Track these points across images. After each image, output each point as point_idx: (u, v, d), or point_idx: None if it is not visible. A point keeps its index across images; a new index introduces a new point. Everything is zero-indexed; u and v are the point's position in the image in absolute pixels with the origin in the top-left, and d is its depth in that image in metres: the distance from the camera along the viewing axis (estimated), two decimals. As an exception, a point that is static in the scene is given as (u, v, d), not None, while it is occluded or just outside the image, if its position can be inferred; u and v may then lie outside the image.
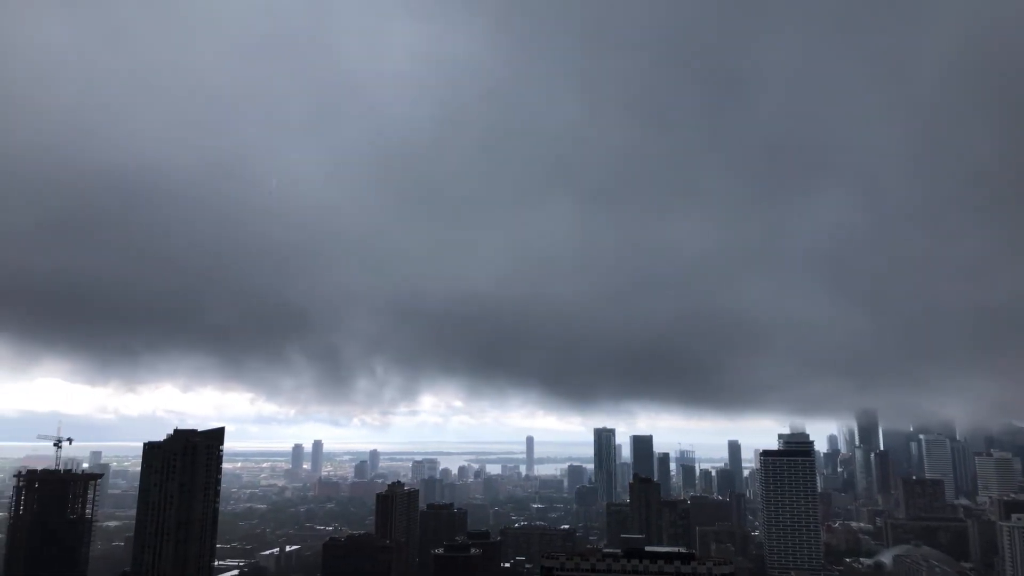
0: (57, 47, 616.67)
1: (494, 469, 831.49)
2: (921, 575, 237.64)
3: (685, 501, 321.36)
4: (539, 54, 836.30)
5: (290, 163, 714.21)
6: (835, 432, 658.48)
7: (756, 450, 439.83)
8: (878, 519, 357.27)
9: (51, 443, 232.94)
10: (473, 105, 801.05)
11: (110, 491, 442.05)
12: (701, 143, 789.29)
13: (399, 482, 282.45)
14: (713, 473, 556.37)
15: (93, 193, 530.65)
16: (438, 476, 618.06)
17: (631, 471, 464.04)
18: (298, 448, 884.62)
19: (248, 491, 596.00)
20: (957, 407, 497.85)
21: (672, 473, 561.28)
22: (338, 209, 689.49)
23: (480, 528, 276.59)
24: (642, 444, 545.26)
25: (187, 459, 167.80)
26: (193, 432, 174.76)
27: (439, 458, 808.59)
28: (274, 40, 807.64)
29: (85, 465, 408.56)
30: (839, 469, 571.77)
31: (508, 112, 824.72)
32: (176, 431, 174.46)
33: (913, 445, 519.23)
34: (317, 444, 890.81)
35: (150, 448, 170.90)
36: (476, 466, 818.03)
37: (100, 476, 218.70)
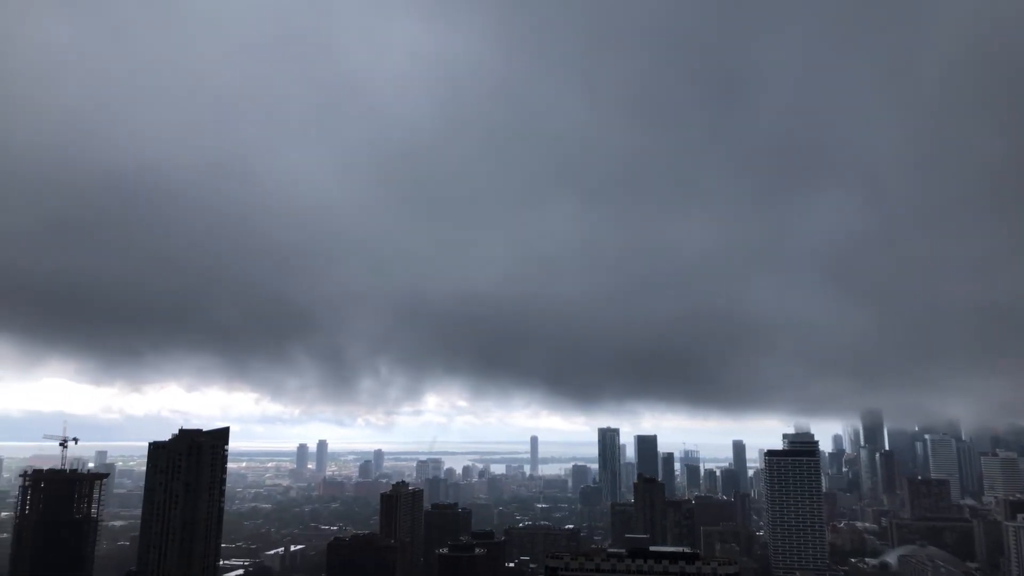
0: (59, 47, 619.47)
1: (498, 469, 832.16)
2: (926, 575, 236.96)
3: (690, 501, 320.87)
4: (542, 54, 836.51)
5: (293, 163, 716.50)
6: (840, 432, 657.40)
7: (761, 450, 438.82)
8: (883, 519, 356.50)
9: (57, 443, 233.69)
10: (475, 105, 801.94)
11: (115, 491, 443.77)
12: (704, 143, 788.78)
13: (403, 482, 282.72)
14: (718, 473, 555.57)
15: (97, 193, 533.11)
16: (442, 476, 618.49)
17: (635, 471, 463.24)
18: (303, 448, 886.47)
19: (253, 491, 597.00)
20: (962, 407, 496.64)
21: (676, 473, 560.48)
22: (341, 209, 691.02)
23: (484, 528, 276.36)
24: (646, 444, 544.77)
25: (192, 459, 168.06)
26: (198, 432, 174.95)
27: (443, 458, 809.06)
28: (276, 40, 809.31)
29: (91, 465, 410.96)
30: (844, 469, 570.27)
31: (511, 112, 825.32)
32: (181, 431, 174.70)
33: (918, 445, 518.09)
34: (322, 444, 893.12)
35: (155, 448, 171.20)
36: (480, 466, 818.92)
37: (105, 476, 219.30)
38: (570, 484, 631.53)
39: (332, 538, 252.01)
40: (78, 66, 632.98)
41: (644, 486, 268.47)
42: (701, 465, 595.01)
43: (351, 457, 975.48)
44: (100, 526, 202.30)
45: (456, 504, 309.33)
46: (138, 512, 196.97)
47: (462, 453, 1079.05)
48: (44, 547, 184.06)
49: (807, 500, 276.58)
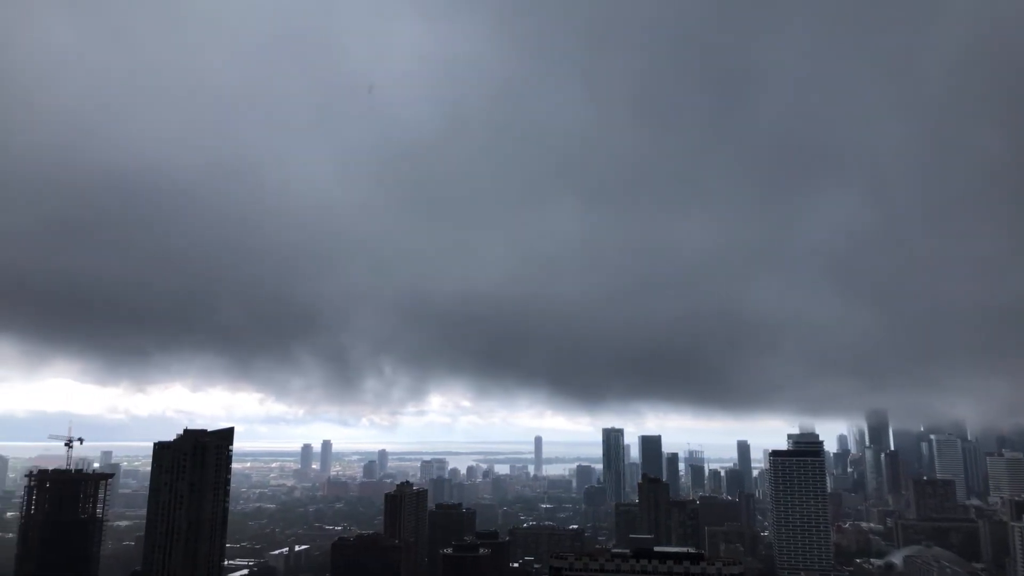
0: (60, 48, 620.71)
1: (502, 469, 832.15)
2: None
3: (694, 501, 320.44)
4: (543, 55, 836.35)
5: (295, 163, 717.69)
6: (845, 432, 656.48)
7: (765, 450, 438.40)
8: (888, 519, 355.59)
9: (62, 443, 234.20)
10: (477, 105, 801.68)
11: (121, 491, 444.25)
12: (706, 142, 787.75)
13: (408, 482, 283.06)
14: (722, 473, 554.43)
15: (100, 194, 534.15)
16: (447, 476, 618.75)
17: (640, 471, 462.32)
18: (307, 448, 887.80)
19: (257, 491, 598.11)
20: (968, 407, 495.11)
21: (681, 473, 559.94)
22: (343, 209, 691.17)
23: (489, 528, 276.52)
24: (651, 444, 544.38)
25: (197, 459, 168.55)
26: (203, 432, 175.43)
27: (448, 458, 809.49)
28: (277, 41, 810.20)
29: (96, 465, 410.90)
30: (849, 469, 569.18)
31: (512, 112, 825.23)
32: (186, 431, 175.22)
33: (924, 445, 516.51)
34: (326, 444, 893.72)
35: (160, 448, 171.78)
36: (484, 466, 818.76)
37: (111, 476, 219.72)
38: (574, 484, 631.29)
39: (336, 538, 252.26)
40: (80, 66, 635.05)
41: (648, 486, 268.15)
42: (705, 465, 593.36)
43: (355, 457, 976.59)
44: (105, 526, 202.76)
45: (460, 504, 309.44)
46: (143, 512, 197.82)
47: (466, 453, 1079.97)
48: (49, 547, 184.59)
49: (812, 500, 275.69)
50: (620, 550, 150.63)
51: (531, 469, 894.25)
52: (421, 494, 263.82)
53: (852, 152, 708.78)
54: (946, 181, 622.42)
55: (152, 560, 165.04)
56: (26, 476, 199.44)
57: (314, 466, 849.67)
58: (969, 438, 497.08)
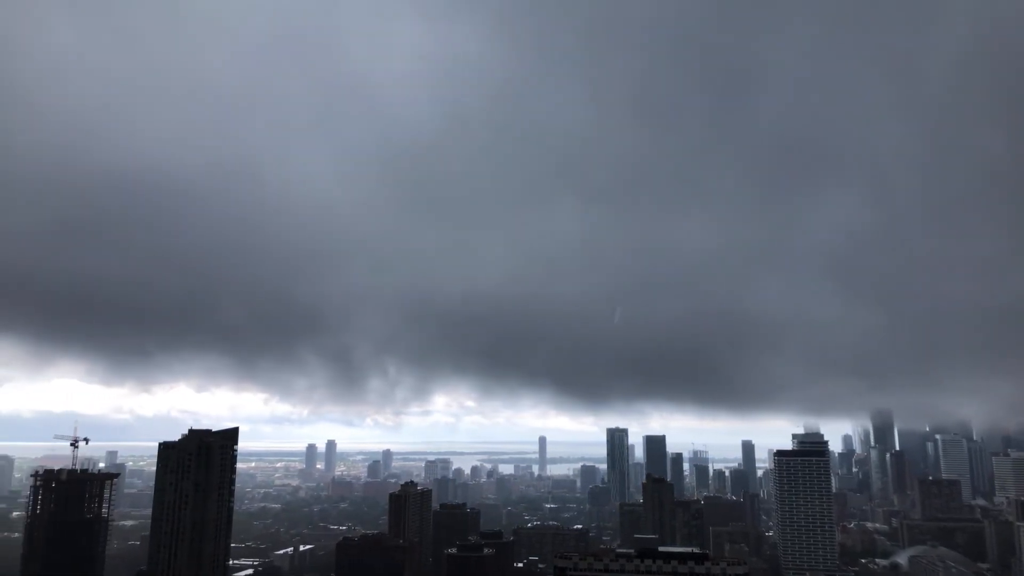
0: (63, 49, 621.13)
1: (507, 469, 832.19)
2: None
3: (699, 501, 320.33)
4: (544, 54, 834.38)
5: (297, 163, 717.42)
6: (850, 432, 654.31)
7: (770, 450, 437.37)
8: (894, 520, 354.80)
9: (68, 443, 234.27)
10: (479, 105, 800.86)
11: (126, 491, 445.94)
12: (708, 142, 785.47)
13: (412, 482, 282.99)
14: (727, 473, 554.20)
15: (103, 194, 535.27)
16: (451, 476, 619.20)
17: (644, 471, 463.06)
18: (311, 448, 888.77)
19: (262, 491, 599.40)
20: (973, 407, 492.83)
21: (685, 473, 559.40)
22: (345, 209, 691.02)
23: (493, 528, 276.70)
24: (655, 444, 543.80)
25: (202, 459, 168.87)
26: (207, 432, 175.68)
27: (452, 458, 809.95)
28: (279, 41, 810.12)
29: (101, 465, 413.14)
30: (854, 469, 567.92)
31: (513, 112, 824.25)
32: (191, 431, 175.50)
33: (929, 445, 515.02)
34: (330, 444, 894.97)
35: (165, 448, 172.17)
36: (489, 466, 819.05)
37: (116, 476, 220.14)
38: (579, 484, 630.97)
39: (341, 538, 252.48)
40: (81, 67, 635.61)
41: (653, 486, 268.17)
42: (710, 465, 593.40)
43: (360, 457, 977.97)
44: (111, 526, 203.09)
45: (464, 504, 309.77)
46: (148, 512, 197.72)
47: (470, 453, 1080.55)
48: (55, 547, 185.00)
49: (817, 500, 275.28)
50: (624, 550, 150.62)
51: (535, 469, 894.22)
52: (425, 494, 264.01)
53: (853, 152, 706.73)
54: (948, 180, 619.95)
55: (157, 560, 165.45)
56: (32, 476, 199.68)
57: (318, 466, 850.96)
58: (975, 438, 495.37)
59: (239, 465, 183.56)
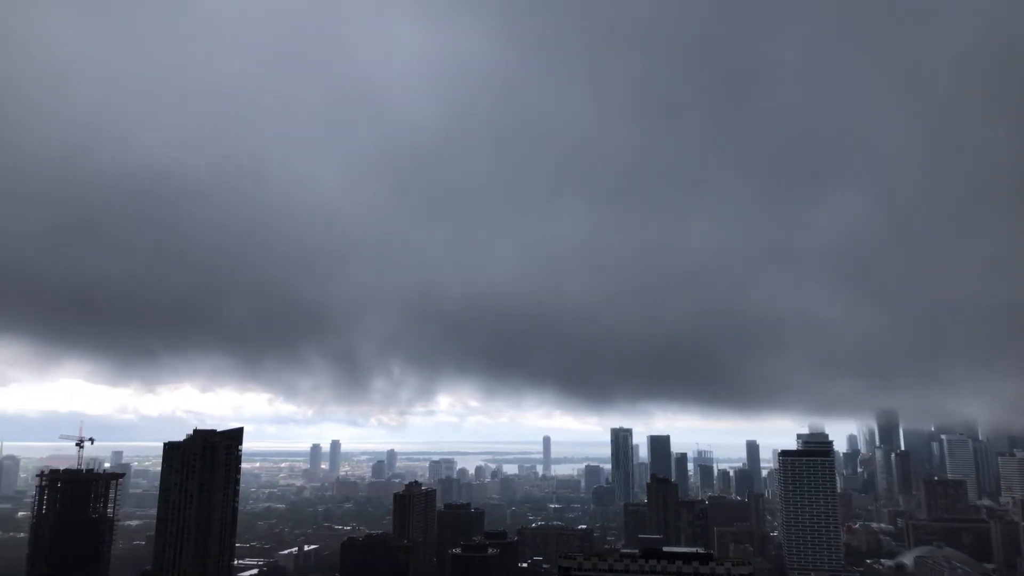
0: (71, 51, 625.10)
1: (511, 469, 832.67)
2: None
3: (703, 501, 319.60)
4: (548, 54, 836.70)
5: (303, 164, 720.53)
6: (855, 432, 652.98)
7: (774, 450, 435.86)
8: (899, 520, 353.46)
9: (73, 443, 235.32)
10: (483, 106, 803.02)
11: (131, 490, 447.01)
12: (714, 141, 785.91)
13: (416, 482, 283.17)
14: (731, 473, 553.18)
15: (110, 195, 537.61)
16: (455, 476, 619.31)
17: (648, 471, 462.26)
18: (316, 448, 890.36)
19: (267, 491, 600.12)
20: (979, 407, 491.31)
21: (690, 473, 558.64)
22: (350, 209, 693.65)
23: (497, 528, 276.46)
24: (659, 444, 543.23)
25: (206, 459, 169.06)
26: (212, 432, 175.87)
27: (456, 458, 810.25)
28: (285, 43, 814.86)
29: (107, 465, 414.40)
30: (859, 469, 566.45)
31: (520, 112, 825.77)
32: (195, 431, 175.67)
33: (934, 445, 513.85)
34: (335, 444, 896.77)
35: (170, 448, 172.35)
36: (493, 466, 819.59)
37: (121, 476, 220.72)
38: (583, 484, 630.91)
39: (345, 538, 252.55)
40: (90, 70, 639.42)
41: (657, 486, 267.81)
42: (714, 465, 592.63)
43: (364, 457, 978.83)
44: (116, 525, 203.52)
45: (469, 504, 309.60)
46: (153, 512, 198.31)
47: (475, 453, 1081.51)
48: (61, 546, 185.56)
49: (822, 500, 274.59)
50: (629, 550, 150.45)
51: (539, 469, 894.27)
52: (430, 494, 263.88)
53: (858, 151, 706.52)
54: (954, 180, 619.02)
55: (162, 559, 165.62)
56: (37, 476, 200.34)
57: (323, 466, 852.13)
58: (980, 438, 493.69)
59: (243, 465, 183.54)
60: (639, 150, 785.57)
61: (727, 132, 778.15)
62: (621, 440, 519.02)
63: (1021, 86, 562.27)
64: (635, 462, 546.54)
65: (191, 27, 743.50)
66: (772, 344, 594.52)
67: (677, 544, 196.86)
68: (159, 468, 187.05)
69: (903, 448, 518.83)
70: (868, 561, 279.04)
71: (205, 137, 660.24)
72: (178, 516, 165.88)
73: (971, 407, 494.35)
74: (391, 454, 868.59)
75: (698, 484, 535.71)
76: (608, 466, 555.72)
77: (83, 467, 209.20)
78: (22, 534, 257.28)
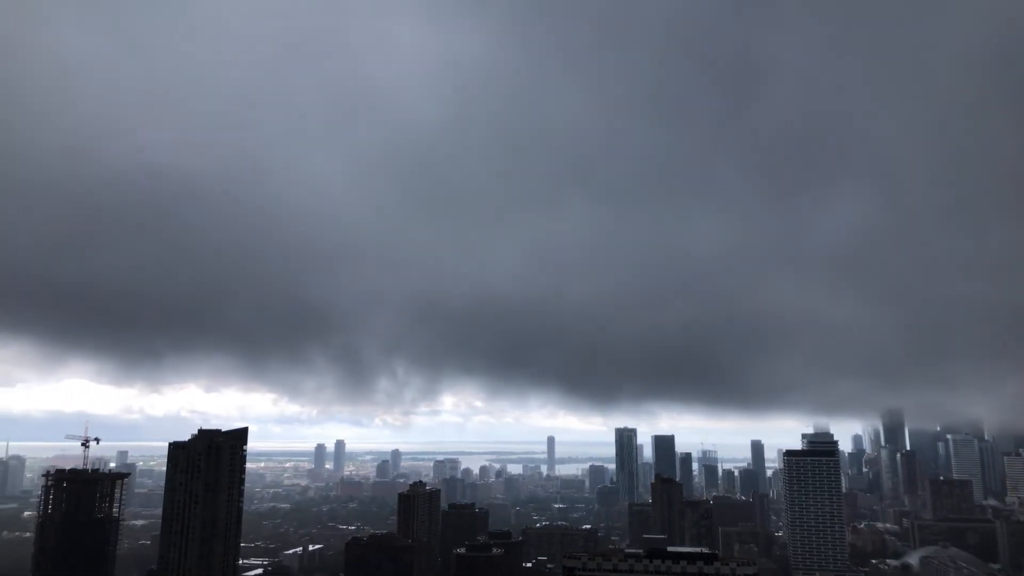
0: (75, 53, 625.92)
1: (515, 469, 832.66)
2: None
3: (708, 501, 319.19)
4: (555, 56, 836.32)
5: (309, 166, 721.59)
6: (860, 432, 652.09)
7: (779, 450, 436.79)
8: (905, 520, 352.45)
9: (79, 443, 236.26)
10: (488, 107, 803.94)
11: (136, 490, 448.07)
12: (718, 142, 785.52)
13: (421, 482, 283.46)
14: (736, 473, 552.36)
15: (115, 197, 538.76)
16: (459, 476, 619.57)
17: (653, 471, 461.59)
18: (320, 448, 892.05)
19: (271, 491, 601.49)
20: (985, 407, 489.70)
21: (694, 473, 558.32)
22: (356, 210, 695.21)
23: (502, 528, 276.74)
24: (664, 444, 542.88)
25: (211, 459, 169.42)
26: (217, 432, 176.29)
27: (460, 458, 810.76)
28: (289, 45, 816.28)
29: (112, 465, 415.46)
30: (864, 469, 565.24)
31: (525, 113, 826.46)
32: (200, 431, 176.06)
33: (940, 445, 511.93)
34: (339, 444, 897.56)
35: (175, 448, 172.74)
36: (497, 466, 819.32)
37: (127, 475, 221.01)
38: (587, 484, 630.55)
39: (350, 538, 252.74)
40: (93, 72, 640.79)
41: (662, 486, 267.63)
42: (719, 465, 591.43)
43: (368, 457, 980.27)
44: (121, 525, 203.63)
45: (473, 504, 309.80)
46: (159, 511, 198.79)
47: (479, 453, 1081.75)
48: (66, 546, 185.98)
49: (827, 500, 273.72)
50: (633, 550, 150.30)
51: (544, 469, 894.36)
52: (434, 494, 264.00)
53: (865, 150, 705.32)
54: (960, 179, 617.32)
55: (168, 559, 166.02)
56: (43, 476, 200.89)
57: (327, 466, 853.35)
58: (986, 438, 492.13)
59: (248, 465, 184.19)
60: (643, 150, 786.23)
61: (731, 132, 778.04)
62: (625, 440, 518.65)
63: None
64: (639, 462, 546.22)
65: (193, 27, 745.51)
66: (777, 344, 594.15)
67: (681, 544, 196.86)
68: (164, 468, 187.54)
69: (908, 448, 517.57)
70: (873, 561, 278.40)
71: (209, 137, 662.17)
72: (183, 516, 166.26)
73: (977, 407, 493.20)
74: (395, 454, 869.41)
75: (703, 484, 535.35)
76: (612, 466, 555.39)
77: (88, 467, 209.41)
78: (28, 534, 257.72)
